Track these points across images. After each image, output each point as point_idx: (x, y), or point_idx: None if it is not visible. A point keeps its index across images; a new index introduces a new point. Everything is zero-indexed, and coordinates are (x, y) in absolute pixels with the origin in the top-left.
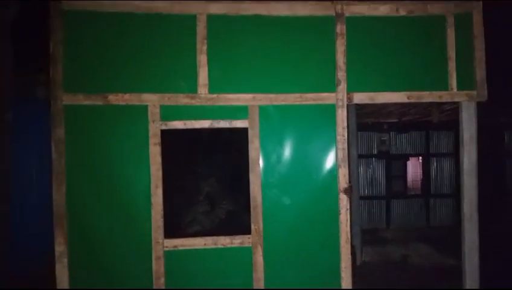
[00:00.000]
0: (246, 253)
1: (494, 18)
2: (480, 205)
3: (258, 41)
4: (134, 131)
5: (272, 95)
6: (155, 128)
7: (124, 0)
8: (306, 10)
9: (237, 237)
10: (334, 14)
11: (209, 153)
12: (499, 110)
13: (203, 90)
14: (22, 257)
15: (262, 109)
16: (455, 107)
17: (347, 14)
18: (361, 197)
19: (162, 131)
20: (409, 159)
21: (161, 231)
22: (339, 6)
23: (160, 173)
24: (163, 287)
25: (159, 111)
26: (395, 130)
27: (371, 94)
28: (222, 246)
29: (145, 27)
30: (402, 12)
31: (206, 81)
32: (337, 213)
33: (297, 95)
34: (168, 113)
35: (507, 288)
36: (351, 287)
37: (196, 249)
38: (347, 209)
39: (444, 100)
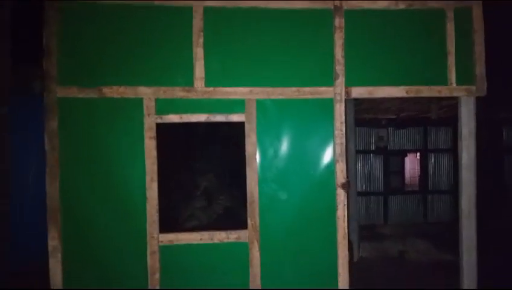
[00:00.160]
0: (243, 248)
1: (494, 13)
2: (478, 201)
3: (255, 34)
4: (129, 124)
5: (269, 89)
6: (150, 121)
7: None
8: (304, 3)
9: (233, 232)
10: (332, 7)
11: (205, 148)
12: (497, 106)
13: (199, 83)
14: (22, 256)
15: (260, 103)
16: (453, 103)
17: (345, 7)
18: (359, 193)
19: (158, 125)
20: (406, 155)
21: (156, 226)
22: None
23: (155, 167)
24: (158, 282)
25: (154, 104)
26: (393, 125)
27: (370, 88)
28: (218, 241)
29: (141, 19)
30: (401, 6)
31: (203, 74)
32: (334, 208)
33: (295, 89)
34: (163, 106)
35: (505, 288)
36: (348, 283)
37: (192, 244)
38: (344, 204)
39: (443, 95)
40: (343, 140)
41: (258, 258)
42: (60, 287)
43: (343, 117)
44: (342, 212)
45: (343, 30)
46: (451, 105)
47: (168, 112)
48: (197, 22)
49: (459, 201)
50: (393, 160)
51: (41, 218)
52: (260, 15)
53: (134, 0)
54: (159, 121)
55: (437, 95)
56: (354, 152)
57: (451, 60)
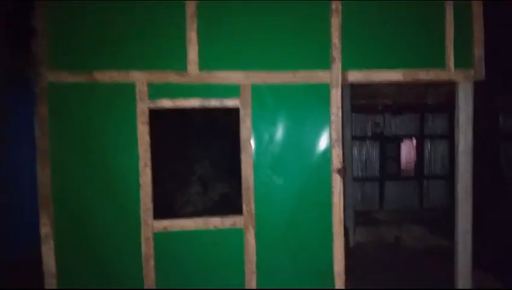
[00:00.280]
0: (238, 234)
1: None
2: (474, 187)
3: (250, 18)
4: (121, 110)
5: (264, 74)
6: (143, 106)
7: None
8: None
9: (228, 218)
10: None
11: (200, 134)
12: (494, 93)
13: (193, 68)
14: (21, 247)
15: (255, 88)
16: (451, 90)
17: None
18: (355, 179)
19: (151, 110)
20: (403, 141)
21: (150, 212)
22: None
23: (148, 153)
24: (153, 269)
25: (147, 89)
26: (390, 112)
27: (366, 73)
28: (213, 228)
29: (133, 2)
30: None
31: (196, 59)
32: (330, 194)
33: (291, 73)
34: (156, 91)
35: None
36: (343, 268)
37: (187, 231)
38: (340, 190)
39: (440, 79)
40: (339, 125)
41: (253, 244)
42: (53, 274)
43: (340, 102)
44: (337, 198)
45: (340, 13)
46: (448, 92)
47: (161, 97)
48: (191, 5)
49: (455, 187)
50: (389, 146)
51: (32, 207)
52: None
53: None
54: (152, 106)
55: (434, 79)
56: (350, 138)
57: (450, 44)
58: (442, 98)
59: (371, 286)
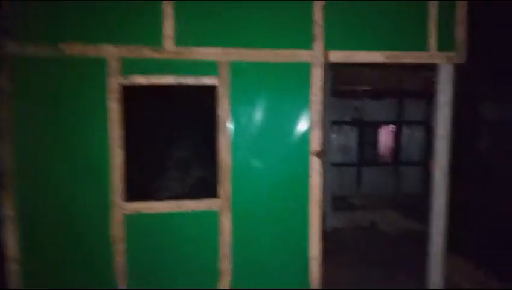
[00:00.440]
0: (213, 217)
1: None
2: (452, 172)
3: None
4: (91, 85)
5: (243, 51)
6: (114, 83)
7: None
8: None
9: (204, 200)
10: None
11: (177, 113)
12: (474, 80)
13: (168, 43)
14: None
15: (234, 66)
16: (430, 76)
17: None
18: (333, 164)
19: (123, 87)
20: (381, 127)
21: (121, 194)
22: None
23: (120, 132)
24: (123, 253)
25: (119, 64)
26: (369, 97)
27: (348, 53)
28: (188, 210)
29: None
30: None
31: (172, 34)
32: (308, 177)
33: (272, 51)
34: (129, 67)
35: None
36: (319, 252)
37: (160, 213)
38: (319, 173)
39: (422, 61)
40: (320, 107)
41: (228, 227)
42: (17, 258)
43: (321, 82)
44: (315, 181)
45: None
46: (427, 77)
47: (134, 73)
48: None
49: (431, 170)
50: (367, 131)
51: None
52: None
53: None
54: (125, 82)
55: (416, 61)
56: (330, 123)
57: (433, 25)
58: (421, 85)
59: (346, 268)
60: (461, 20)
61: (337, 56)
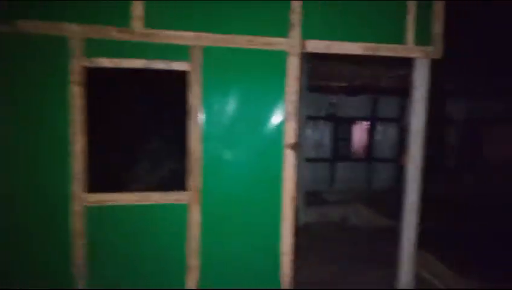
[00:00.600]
0: (182, 210)
1: None
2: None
3: None
4: (51, 67)
5: (218, 36)
6: (77, 65)
7: None
8: None
9: (172, 193)
10: None
11: (147, 100)
12: (443, 77)
13: (137, 24)
14: None
15: (207, 51)
16: (404, 74)
17: None
18: (307, 159)
19: (87, 69)
20: (355, 123)
21: (82, 184)
22: None
23: (82, 118)
24: (83, 247)
25: (82, 45)
26: (344, 93)
27: (326, 43)
28: (155, 203)
29: None
30: None
31: (142, 15)
32: (282, 170)
33: (247, 37)
34: (93, 48)
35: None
36: (291, 247)
37: (124, 206)
38: (293, 166)
39: (399, 54)
40: (296, 98)
41: (198, 220)
42: None
43: (297, 72)
44: (289, 174)
45: None
46: (401, 75)
47: (99, 55)
48: None
49: (405, 165)
50: (342, 127)
51: None
52: None
53: None
54: (88, 65)
55: (394, 54)
56: (305, 117)
57: (411, 19)
58: (396, 82)
59: (317, 263)
60: (439, 15)
61: (315, 46)
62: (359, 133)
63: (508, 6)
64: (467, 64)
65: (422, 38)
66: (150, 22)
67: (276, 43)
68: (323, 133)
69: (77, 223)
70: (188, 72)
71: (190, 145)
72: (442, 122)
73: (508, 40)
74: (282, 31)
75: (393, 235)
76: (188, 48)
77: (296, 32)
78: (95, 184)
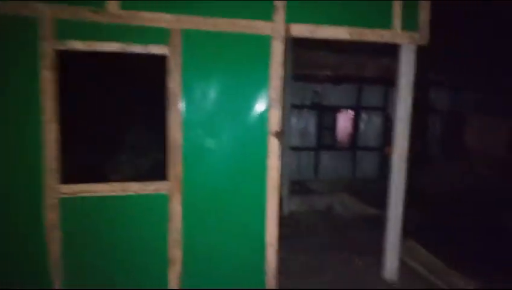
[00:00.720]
0: (162, 201)
1: None
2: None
3: None
4: (20, 49)
5: (198, 19)
6: (48, 47)
7: None
8: None
9: (151, 183)
10: None
11: (122, 85)
12: (427, 67)
13: (112, 5)
14: None
15: (187, 34)
16: (388, 64)
17: None
18: (292, 148)
19: (58, 53)
20: (340, 112)
21: (55, 175)
22: None
23: (55, 105)
24: (59, 240)
25: (53, 27)
26: (329, 82)
27: (311, 27)
28: (134, 193)
29: None
30: None
31: None
32: (266, 159)
33: (229, 21)
34: (66, 30)
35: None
36: (275, 236)
37: (101, 197)
38: (277, 154)
39: (385, 40)
40: (280, 84)
41: (179, 211)
42: None
43: (282, 58)
44: (274, 162)
45: None
46: (385, 65)
47: (71, 38)
48: None
49: (391, 154)
50: (327, 116)
51: None
52: None
53: None
54: (60, 47)
55: (379, 39)
56: (290, 106)
57: (397, 4)
58: (380, 71)
59: (302, 253)
60: (426, 1)
61: (300, 30)
62: (344, 122)
63: None
64: (452, 54)
65: (409, 24)
66: (127, 3)
67: (260, 27)
68: (308, 122)
69: (52, 216)
70: (167, 56)
71: (170, 133)
72: (426, 112)
73: (494, 30)
74: (266, 14)
75: (378, 224)
76: (167, 31)
77: (280, 16)
78: (71, 175)
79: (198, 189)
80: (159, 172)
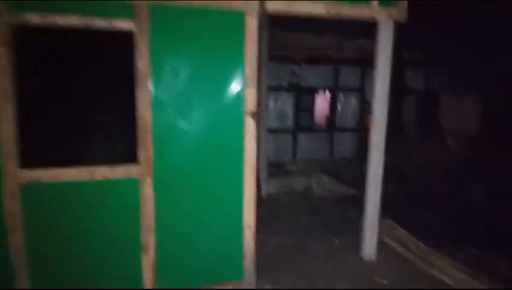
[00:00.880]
0: (133, 185)
1: None
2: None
3: None
4: None
5: None
6: (1, 22)
7: None
8: None
9: (120, 167)
10: None
11: (87, 63)
12: (403, 47)
13: None
14: None
15: (154, 8)
16: (365, 45)
17: None
18: (270, 130)
19: (13, 28)
20: (317, 93)
21: (15, 159)
22: None
23: (11, 84)
24: (20, 229)
25: None
26: (306, 63)
27: (287, 3)
28: (103, 178)
29: None
30: None
31: None
32: (242, 139)
33: None
34: (19, 3)
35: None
36: (254, 220)
37: (67, 182)
38: (253, 135)
39: (363, 15)
40: (255, 62)
41: (151, 195)
42: None
43: (257, 35)
44: (250, 144)
45: None
46: (362, 46)
47: (26, 11)
48: None
49: (370, 130)
50: (304, 97)
51: None
52: None
53: None
54: (14, 22)
55: (357, 15)
56: (266, 88)
57: None
58: (357, 52)
59: (280, 234)
60: None
61: (275, 6)
62: (321, 103)
63: None
64: (427, 33)
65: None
66: None
67: (234, 3)
68: (285, 104)
69: (12, 204)
70: (135, 32)
71: (139, 113)
72: (402, 92)
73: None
74: None
75: (356, 203)
76: (132, 4)
77: None
78: (32, 159)
79: (170, 172)
80: (129, 155)
